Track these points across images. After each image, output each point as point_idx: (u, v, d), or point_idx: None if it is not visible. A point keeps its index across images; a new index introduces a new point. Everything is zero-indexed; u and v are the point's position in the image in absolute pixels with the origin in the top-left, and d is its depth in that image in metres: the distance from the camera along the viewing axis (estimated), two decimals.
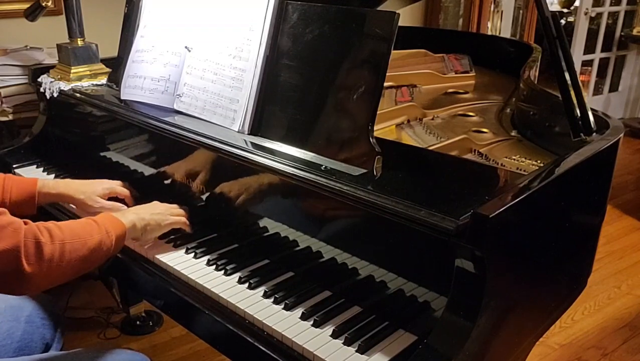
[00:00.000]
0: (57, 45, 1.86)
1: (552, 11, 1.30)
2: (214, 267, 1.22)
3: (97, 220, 1.16)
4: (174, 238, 1.32)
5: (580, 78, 2.05)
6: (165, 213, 1.30)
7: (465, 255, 0.91)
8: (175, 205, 1.35)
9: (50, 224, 1.07)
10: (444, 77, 1.94)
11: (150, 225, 1.27)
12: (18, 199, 1.36)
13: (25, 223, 1.02)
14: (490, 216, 0.88)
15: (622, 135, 1.30)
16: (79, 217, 1.45)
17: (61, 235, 1.05)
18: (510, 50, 2.11)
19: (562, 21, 5.65)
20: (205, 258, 1.26)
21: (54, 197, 1.42)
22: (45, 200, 1.42)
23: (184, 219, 1.32)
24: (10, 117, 1.97)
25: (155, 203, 1.34)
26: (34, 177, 1.66)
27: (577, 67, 4.51)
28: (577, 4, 5.03)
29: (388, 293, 1.07)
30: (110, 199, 1.45)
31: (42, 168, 1.75)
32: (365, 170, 1.10)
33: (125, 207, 1.43)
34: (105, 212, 1.40)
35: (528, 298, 1.12)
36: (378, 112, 1.16)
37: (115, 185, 1.47)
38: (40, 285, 1.05)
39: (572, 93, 1.27)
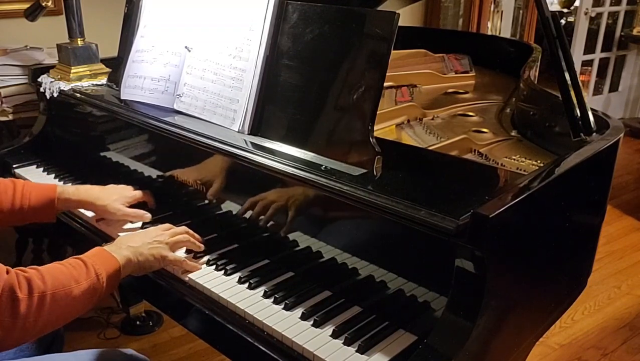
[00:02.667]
0: (57, 45, 1.86)
1: (552, 11, 1.30)
2: (213, 267, 1.22)
3: (87, 262, 1.07)
4: None
5: (580, 78, 2.06)
6: (164, 244, 1.20)
7: (465, 255, 0.91)
8: (176, 231, 1.25)
9: (33, 273, 0.99)
10: (444, 77, 1.94)
11: (148, 260, 1.17)
12: (37, 205, 1.34)
13: (7, 272, 0.96)
14: (490, 216, 0.88)
15: (622, 135, 1.30)
16: (84, 221, 1.45)
17: (42, 287, 0.98)
18: (510, 50, 2.11)
19: (562, 21, 5.65)
20: (205, 258, 1.25)
21: (74, 204, 1.39)
22: (65, 207, 1.39)
23: (186, 261, 1.21)
24: (10, 117, 1.97)
25: (150, 230, 1.26)
26: (35, 177, 1.67)
27: (577, 67, 4.51)
28: (577, 4, 5.03)
29: (388, 293, 1.07)
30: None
31: (42, 168, 1.75)
32: (365, 170, 1.10)
33: (149, 215, 1.40)
34: (127, 220, 1.39)
35: (528, 298, 1.12)
36: (378, 112, 1.16)
37: (137, 193, 1.44)
38: (15, 342, 0.99)
39: (572, 93, 1.27)
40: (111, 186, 1.44)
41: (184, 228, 1.28)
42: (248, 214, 1.28)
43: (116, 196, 1.40)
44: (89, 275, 1.05)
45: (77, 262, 1.07)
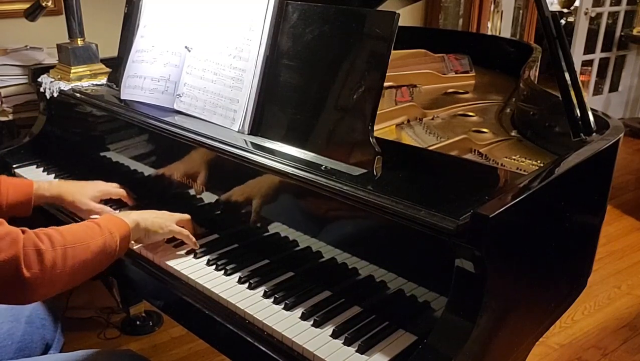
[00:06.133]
0: (57, 45, 1.86)
1: (552, 11, 1.30)
2: (214, 266, 1.22)
3: (100, 223, 1.14)
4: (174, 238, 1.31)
5: (580, 78, 2.06)
6: (168, 219, 1.28)
7: (465, 255, 0.91)
8: (178, 214, 1.32)
9: (51, 230, 1.05)
10: (444, 77, 1.94)
11: (154, 225, 1.25)
12: (15, 201, 1.36)
13: (23, 232, 1.01)
14: (490, 216, 0.88)
15: (622, 135, 1.30)
16: (79, 218, 1.45)
17: (62, 240, 1.04)
18: (510, 50, 2.11)
19: (562, 21, 5.65)
20: (205, 258, 1.26)
21: (48, 199, 1.42)
22: (41, 201, 1.42)
23: (187, 232, 1.28)
24: (10, 117, 1.97)
25: (157, 211, 1.32)
26: (35, 177, 1.67)
27: (577, 67, 4.51)
28: (577, 4, 5.03)
29: (388, 293, 1.07)
30: (107, 203, 1.46)
31: (42, 168, 1.75)
32: (365, 170, 1.10)
33: (112, 210, 1.43)
34: (94, 215, 1.40)
35: (528, 298, 1.12)
36: (378, 112, 1.16)
37: (111, 188, 1.47)
38: (45, 292, 1.04)
39: (572, 93, 1.27)
40: (84, 182, 1.47)
41: (186, 217, 1.33)
42: (248, 214, 1.28)
43: (85, 191, 1.43)
44: (103, 233, 1.12)
45: (90, 223, 1.14)
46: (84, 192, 1.43)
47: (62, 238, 1.04)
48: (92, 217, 1.39)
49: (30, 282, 0.98)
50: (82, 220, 1.43)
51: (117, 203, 1.49)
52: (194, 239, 1.29)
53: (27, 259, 0.98)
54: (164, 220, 1.27)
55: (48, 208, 1.52)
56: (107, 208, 1.44)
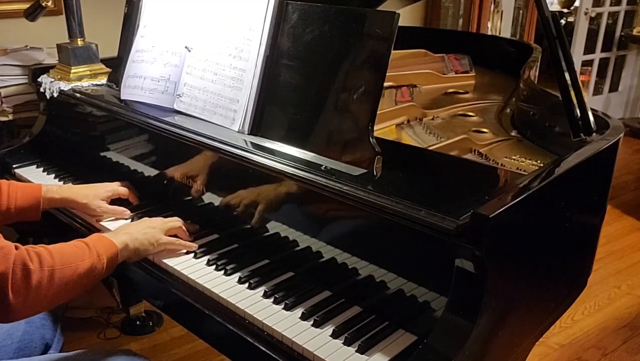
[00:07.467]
0: (57, 45, 1.86)
1: (552, 11, 1.30)
2: (214, 266, 1.22)
3: (89, 243, 1.14)
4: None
5: (580, 78, 2.06)
6: (158, 229, 1.26)
7: (465, 255, 0.91)
8: (169, 219, 1.31)
9: (41, 249, 1.05)
10: (444, 77, 1.94)
11: (143, 244, 1.23)
12: (23, 205, 1.36)
13: (16, 248, 1.01)
14: (490, 216, 0.88)
15: (622, 135, 1.30)
16: (84, 221, 1.45)
17: (51, 261, 1.04)
18: (510, 50, 2.11)
19: (562, 21, 5.65)
20: (205, 258, 1.26)
21: (58, 202, 1.41)
22: (50, 205, 1.41)
23: (179, 241, 1.28)
24: (10, 117, 1.97)
25: (146, 219, 1.32)
26: (35, 177, 1.67)
27: (577, 67, 4.51)
28: (577, 4, 5.03)
29: (388, 293, 1.07)
30: (113, 202, 1.46)
31: (42, 168, 1.75)
32: (365, 170, 1.11)
33: (129, 211, 1.43)
34: (106, 216, 1.42)
35: (528, 298, 1.12)
36: (378, 112, 1.16)
37: (117, 187, 1.47)
38: (26, 314, 1.05)
39: (572, 93, 1.27)
40: (93, 184, 1.47)
41: (176, 218, 1.33)
42: (248, 214, 1.28)
43: (96, 192, 1.43)
44: (92, 255, 1.12)
45: (80, 243, 1.15)
46: (96, 193, 1.43)
47: (51, 259, 1.04)
48: (102, 223, 1.41)
49: (12, 304, 0.99)
50: (89, 223, 1.44)
51: (123, 203, 1.47)
52: (188, 244, 1.28)
53: (14, 278, 0.98)
54: (154, 235, 1.25)
55: (55, 214, 1.51)
56: (121, 209, 1.43)
